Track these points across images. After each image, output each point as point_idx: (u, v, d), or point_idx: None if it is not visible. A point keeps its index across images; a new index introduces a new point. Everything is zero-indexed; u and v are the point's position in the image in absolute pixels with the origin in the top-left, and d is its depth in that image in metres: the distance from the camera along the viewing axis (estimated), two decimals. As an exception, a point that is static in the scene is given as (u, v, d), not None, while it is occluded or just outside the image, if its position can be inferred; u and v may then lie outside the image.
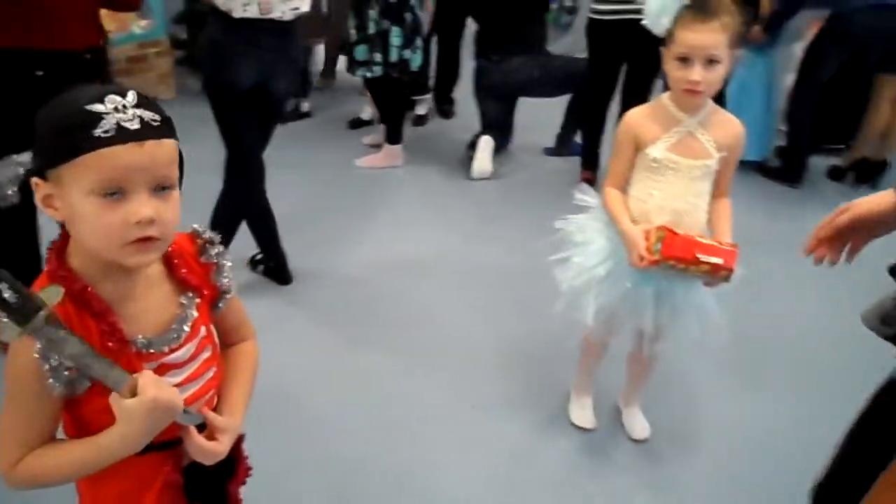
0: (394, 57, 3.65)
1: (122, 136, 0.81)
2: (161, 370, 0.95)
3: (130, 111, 0.83)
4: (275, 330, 2.35)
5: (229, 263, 1.05)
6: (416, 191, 3.83)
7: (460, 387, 2.35)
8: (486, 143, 3.93)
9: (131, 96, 0.84)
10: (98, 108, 0.81)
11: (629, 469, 2.07)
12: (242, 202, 2.70)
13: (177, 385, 0.96)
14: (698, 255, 1.66)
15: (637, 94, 3.38)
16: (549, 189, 3.66)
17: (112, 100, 0.82)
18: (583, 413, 2.21)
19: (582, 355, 2.20)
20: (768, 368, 2.52)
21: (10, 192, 0.86)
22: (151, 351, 0.94)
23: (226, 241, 1.07)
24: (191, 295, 1.00)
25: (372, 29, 3.57)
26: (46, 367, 0.85)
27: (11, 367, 0.89)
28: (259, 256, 2.89)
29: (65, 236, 0.91)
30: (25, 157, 0.87)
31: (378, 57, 3.62)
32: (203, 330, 1.02)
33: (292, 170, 3.42)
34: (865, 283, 1.51)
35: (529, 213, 3.13)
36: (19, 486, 0.95)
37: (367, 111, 4.60)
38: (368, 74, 3.69)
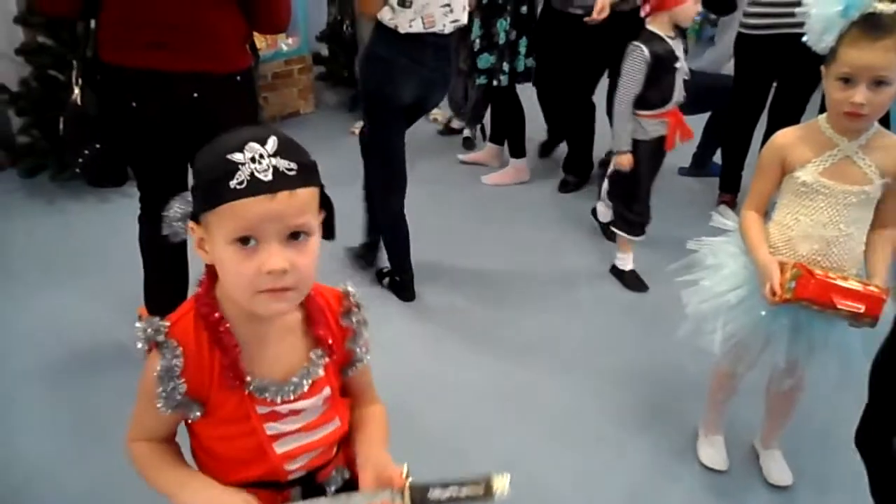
0: (520, 66, 3.63)
1: (253, 188, 0.83)
2: (272, 417, 0.98)
3: (266, 161, 0.84)
4: (394, 345, 2.41)
5: (366, 335, 1.05)
6: (540, 208, 3.76)
7: (580, 415, 2.27)
8: None
9: (271, 143, 0.85)
10: (237, 157, 0.84)
11: (764, 518, 1.91)
12: (386, 214, 2.78)
13: (289, 433, 1.00)
14: (835, 301, 1.52)
15: (788, 115, 3.17)
16: (683, 210, 3.48)
17: (251, 148, 0.84)
18: (713, 452, 2.06)
19: (711, 389, 2.06)
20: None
21: (181, 227, 0.92)
22: (265, 397, 0.97)
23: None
24: (321, 353, 1.00)
25: (502, 38, 3.56)
26: (160, 389, 0.93)
27: (144, 373, 0.96)
28: (386, 269, 2.93)
29: (213, 271, 0.95)
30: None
31: (506, 66, 3.61)
32: (327, 390, 1.02)
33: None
34: None
35: (661, 235, 2.99)
36: (129, 458, 1.03)
37: (464, 127, 4.59)
38: (495, 83, 3.67)
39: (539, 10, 3.67)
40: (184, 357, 0.93)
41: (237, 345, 0.94)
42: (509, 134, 3.98)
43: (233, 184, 0.83)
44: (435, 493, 0.92)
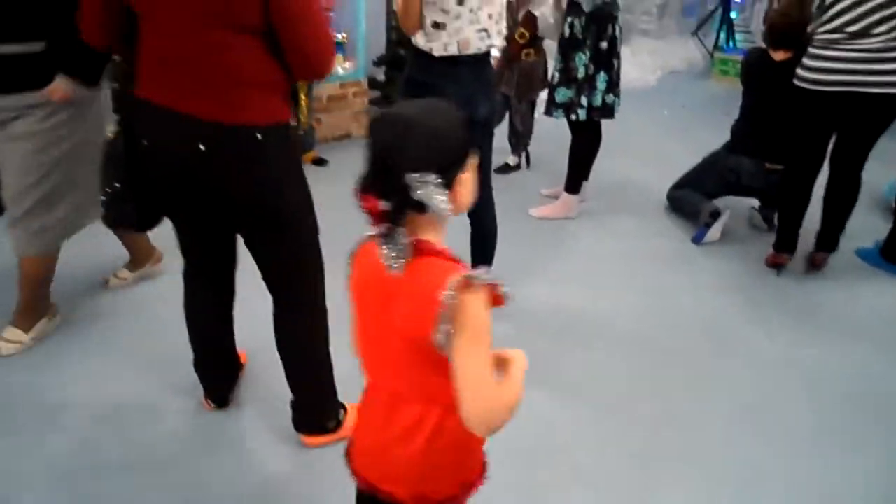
0: (597, 101, 3.56)
1: None
2: None
3: None
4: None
5: None
6: (597, 247, 3.62)
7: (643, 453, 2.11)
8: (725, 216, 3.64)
9: None
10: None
11: None
12: None
13: None
14: None
15: (851, 168, 3.04)
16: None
17: None
18: None
19: None
20: None
21: (442, 198, 1.06)
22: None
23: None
24: None
25: (581, 73, 3.50)
26: (505, 288, 1.09)
27: (481, 320, 1.05)
28: None
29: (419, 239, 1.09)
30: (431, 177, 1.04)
31: (584, 100, 3.55)
32: None
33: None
34: None
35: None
36: (507, 419, 1.08)
37: (513, 158, 4.53)
38: (572, 117, 3.61)
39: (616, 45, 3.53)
40: None
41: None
42: (576, 167, 3.87)
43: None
44: None
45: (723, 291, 3.20)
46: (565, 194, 3.93)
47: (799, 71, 2.99)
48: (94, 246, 2.90)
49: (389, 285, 1.10)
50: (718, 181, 3.69)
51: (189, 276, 2.06)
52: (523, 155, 4.55)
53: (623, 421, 2.33)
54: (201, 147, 1.64)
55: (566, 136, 3.84)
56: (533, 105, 4.35)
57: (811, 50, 2.94)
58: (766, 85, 3.42)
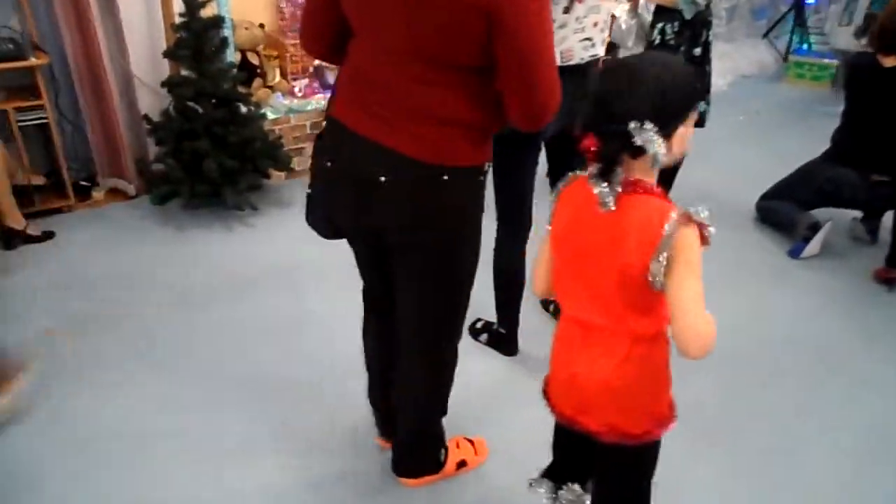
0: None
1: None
2: None
3: None
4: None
5: None
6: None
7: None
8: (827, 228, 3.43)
9: None
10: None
11: None
12: (502, 258, 2.53)
13: None
14: None
15: None
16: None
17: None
18: None
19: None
20: None
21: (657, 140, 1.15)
22: None
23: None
24: None
25: None
26: (712, 229, 1.18)
27: (696, 243, 1.15)
28: (481, 324, 2.74)
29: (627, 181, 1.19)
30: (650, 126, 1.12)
31: None
32: None
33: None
34: None
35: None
36: (715, 344, 1.16)
37: None
38: None
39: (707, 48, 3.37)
40: None
41: None
42: (662, 179, 3.69)
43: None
44: None
45: (826, 307, 3.01)
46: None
47: None
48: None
49: (603, 221, 1.18)
50: (816, 192, 3.48)
51: (365, 306, 1.99)
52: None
53: (730, 452, 2.21)
54: (381, 178, 1.52)
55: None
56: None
57: None
58: (873, 92, 3.21)
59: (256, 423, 2.28)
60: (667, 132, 1.13)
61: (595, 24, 2.29)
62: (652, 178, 1.21)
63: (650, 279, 1.15)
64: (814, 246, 3.39)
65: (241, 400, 2.38)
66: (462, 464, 2.10)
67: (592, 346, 1.28)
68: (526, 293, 2.56)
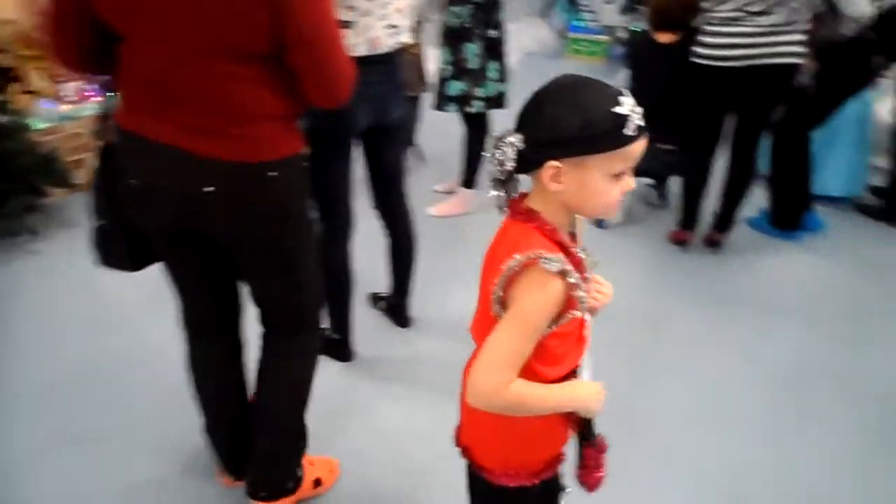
0: (491, 92, 3.46)
1: (640, 133, 1.02)
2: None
3: (637, 108, 1.01)
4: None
5: None
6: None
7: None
8: None
9: (626, 93, 1.02)
10: (622, 110, 0.99)
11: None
12: (328, 259, 2.39)
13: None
14: None
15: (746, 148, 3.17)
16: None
17: (626, 101, 1.00)
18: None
19: None
20: None
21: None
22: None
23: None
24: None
25: (473, 64, 3.36)
26: (580, 293, 1.06)
27: (539, 295, 1.04)
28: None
29: (520, 202, 1.11)
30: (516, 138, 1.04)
31: (480, 92, 3.42)
32: None
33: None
34: None
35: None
36: (501, 408, 1.09)
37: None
38: (468, 109, 3.47)
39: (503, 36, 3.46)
40: None
41: (571, 245, 1.10)
42: (472, 161, 3.77)
43: (627, 132, 1.00)
44: None
45: (637, 272, 3.24)
46: (463, 189, 3.83)
47: (697, 49, 3.05)
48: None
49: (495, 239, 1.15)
50: None
51: (188, 333, 1.80)
52: (412, 152, 4.37)
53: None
54: (207, 189, 1.45)
55: (448, 129, 3.69)
56: (415, 101, 4.18)
57: (709, 27, 3.00)
58: (652, 66, 3.46)
59: (79, 485, 1.99)
60: (538, 158, 1.03)
61: (398, 11, 2.22)
62: (559, 218, 1.09)
63: (492, 309, 1.08)
64: (617, 215, 3.62)
65: (59, 457, 2.07)
66: (318, 482, 1.99)
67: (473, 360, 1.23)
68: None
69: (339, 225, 2.39)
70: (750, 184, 3.32)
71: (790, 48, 2.91)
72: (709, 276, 3.23)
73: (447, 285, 2.99)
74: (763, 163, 3.59)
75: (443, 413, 2.25)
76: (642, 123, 1.01)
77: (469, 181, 3.80)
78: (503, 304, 1.06)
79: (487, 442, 1.24)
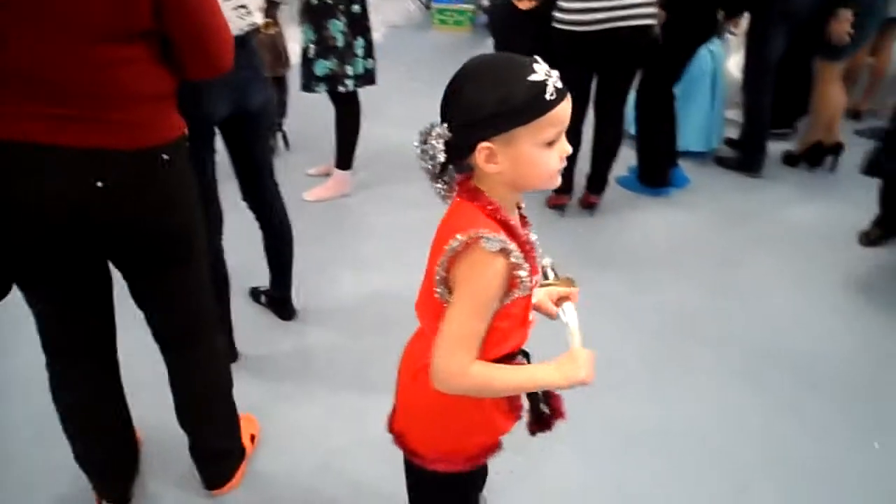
0: (359, 69, 3.37)
1: (561, 95, 1.02)
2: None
3: (552, 71, 1.02)
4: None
5: None
6: (374, 223, 3.50)
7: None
8: None
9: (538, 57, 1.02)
10: (537, 77, 1.00)
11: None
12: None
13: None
14: None
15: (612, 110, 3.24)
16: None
17: (539, 67, 1.01)
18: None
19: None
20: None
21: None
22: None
23: None
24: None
25: (340, 42, 3.25)
26: (522, 272, 1.06)
27: (484, 274, 1.04)
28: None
29: (467, 181, 1.10)
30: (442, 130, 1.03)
31: (349, 70, 3.32)
32: None
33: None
34: None
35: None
36: (464, 390, 1.11)
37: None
38: (340, 89, 3.36)
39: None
40: None
41: (518, 228, 1.10)
42: (346, 141, 3.66)
43: (547, 97, 1.00)
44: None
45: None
46: (338, 171, 3.73)
47: (557, 14, 3.07)
48: None
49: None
50: None
51: (56, 355, 1.65)
52: (279, 137, 4.21)
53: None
54: (98, 184, 1.37)
55: (316, 110, 3.60)
56: (281, 82, 4.01)
57: None
58: (515, 33, 3.48)
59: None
60: (467, 143, 1.03)
61: None
62: (499, 193, 1.09)
63: (436, 290, 1.08)
64: None
65: None
66: (252, 438, 2.07)
67: (413, 344, 1.25)
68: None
69: (208, 220, 2.25)
70: (619, 145, 3.43)
71: (645, 9, 3.00)
72: (586, 237, 3.32)
73: (329, 272, 2.91)
74: (629, 122, 3.73)
75: (338, 403, 2.25)
76: (560, 85, 1.01)
77: (344, 162, 3.71)
78: (446, 283, 1.07)
79: (424, 428, 1.24)
